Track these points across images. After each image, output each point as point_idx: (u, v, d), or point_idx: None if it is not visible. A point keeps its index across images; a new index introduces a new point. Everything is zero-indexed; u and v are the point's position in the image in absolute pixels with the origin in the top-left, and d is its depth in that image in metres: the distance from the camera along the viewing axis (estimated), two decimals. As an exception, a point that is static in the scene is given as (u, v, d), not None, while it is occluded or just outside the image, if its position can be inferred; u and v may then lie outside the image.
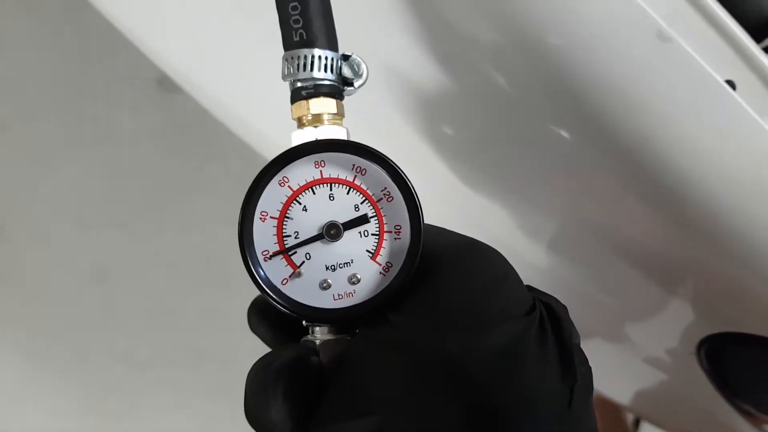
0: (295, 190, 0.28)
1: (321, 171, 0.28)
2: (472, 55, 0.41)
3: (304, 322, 0.29)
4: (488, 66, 0.41)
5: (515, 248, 0.49)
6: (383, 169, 0.28)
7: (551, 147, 0.42)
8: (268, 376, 0.26)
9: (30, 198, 1.29)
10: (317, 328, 0.28)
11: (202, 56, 0.55)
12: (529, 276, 0.48)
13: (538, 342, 0.26)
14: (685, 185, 0.39)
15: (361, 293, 0.28)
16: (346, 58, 0.30)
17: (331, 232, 0.27)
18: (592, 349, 0.55)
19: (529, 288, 0.28)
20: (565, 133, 0.41)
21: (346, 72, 0.29)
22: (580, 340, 0.28)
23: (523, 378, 0.25)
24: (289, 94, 0.30)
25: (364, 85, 0.30)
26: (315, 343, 0.28)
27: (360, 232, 0.28)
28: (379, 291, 0.27)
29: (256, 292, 0.31)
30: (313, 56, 0.28)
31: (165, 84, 1.28)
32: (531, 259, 0.50)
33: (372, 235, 0.28)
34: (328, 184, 0.28)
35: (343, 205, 0.28)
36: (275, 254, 0.27)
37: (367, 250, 0.28)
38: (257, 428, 0.26)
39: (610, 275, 0.50)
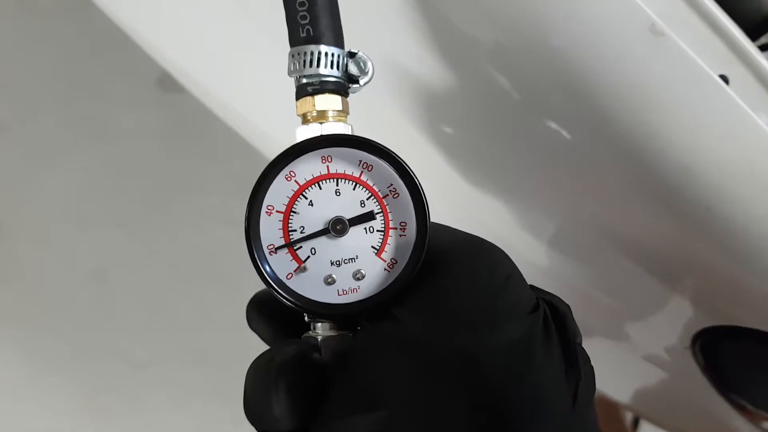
0: (301, 184, 0.28)
1: (328, 166, 0.28)
2: (474, 55, 0.41)
3: (306, 318, 0.29)
4: (489, 65, 0.41)
5: (516, 246, 0.49)
6: (390, 165, 0.28)
7: (552, 145, 0.43)
8: (271, 372, 0.25)
9: (30, 197, 1.29)
10: (319, 324, 0.28)
11: (205, 55, 0.55)
12: (530, 274, 0.48)
13: (543, 340, 0.26)
14: (682, 180, 0.39)
15: (365, 289, 0.28)
16: (352, 55, 0.30)
17: (337, 227, 0.27)
18: (592, 347, 0.55)
19: (532, 287, 0.29)
20: (565, 132, 0.41)
21: (352, 69, 0.30)
22: (582, 340, 0.28)
23: (533, 375, 0.25)
24: (293, 91, 0.30)
25: (369, 83, 0.30)
26: (317, 339, 0.28)
27: (365, 228, 0.28)
28: (383, 287, 0.28)
29: (255, 291, 0.32)
30: (319, 52, 0.28)
31: (165, 83, 1.28)
32: (532, 258, 0.50)
33: (377, 231, 0.28)
34: (335, 180, 0.28)
35: (349, 201, 0.28)
36: (280, 248, 0.27)
37: (372, 246, 0.28)
38: (258, 425, 0.26)
39: (610, 273, 0.50)
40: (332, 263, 0.28)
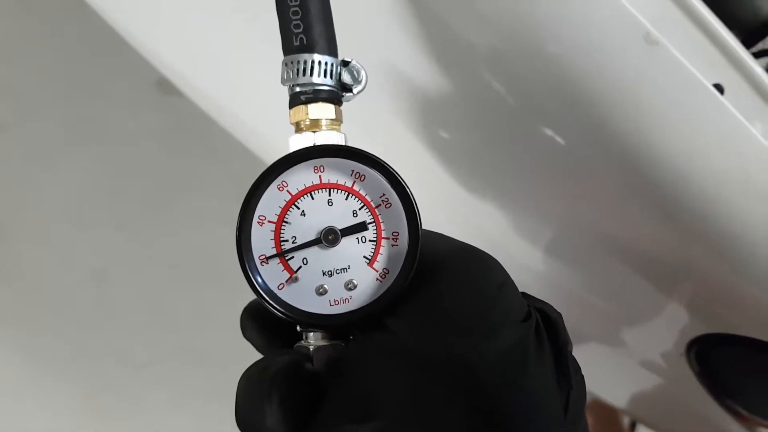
0: (293, 194, 0.28)
1: (320, 176, 0.28)
2: (471, 60, 0.41)
3: (298, 328, 0.29)
4: (485, 70, 0.41)
5: (512, 252, 0.49)
6: (382, 175, 0.28)
7: (548, 151, 0.43)
8: (263, 382, 0.25)
9: (29, 197, 1.29)
10: (311, 334, 0.28)
11: (201, 60, 0.55)
12: (526, 280, 0.48)
13: (536, 348, 0.26)
14: (677, 188, 0.39)
15: (357, 299, 0.28)
16: (345, 64, 0.30)
17: (329, 237, 0.27)
18: (589, 352, 0.56)
19: (524, 295, 0.28)
20: (560, 137, 0.41)
21: (346, 78, 0.29)
22: (572, 348, 0.28)
23: (526, 383, 0.25)
24: (286, 98, 0.30)
25: (363, 91, 0.30)
26: (309, 348, 0.28)
27: (357, 238, 0.28)
28: (375, 297, 0.27)
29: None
30: (312, 61, 0.28)
31: (165, 84, 1.28)
32: (528, 263, 0.50)
33: (369, 241, 0.28)
34: (327, 190, 0.28)
35: (342, 211, 0.28)
36: (272, 258, 0.27)
37: (364, 256, 0.28)
38: None
39: (607, 278, 0.50)
40: (324, 273, 0.28)
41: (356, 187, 0.28)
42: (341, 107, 0.30)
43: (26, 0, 1.29)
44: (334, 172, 0.28)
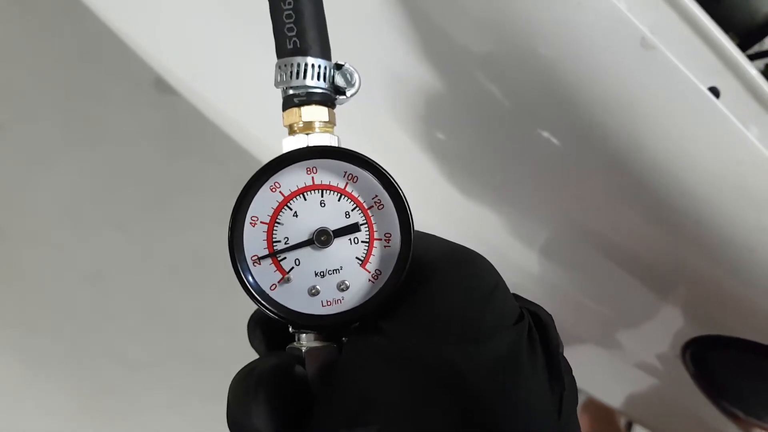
0: (286, 195, 0.28)
1: (313, 177, 0.28)
2: (465, 63, 0.41)
3: (290, 329, 0.29)
4: (480, 74, 0.41)
5: (508, 254, 0.49)
6: (375, 176, 0.28)
7: (543, 153, 0.43)
8: (250, 382, 0.25)
9: (27, 198, 1.29)
10: (303, 335, 0.28)
11: (199, 63, 0.55)
12: (521, 281, 0.48)
13: (529, 351, 0.26)
14: (671, 192, 0.39)
15: (350, 300, 0.28)
16: (339, 67, 0.30)
17: (322, 238, 0.27)
18: (585, 353, 0.56)
19: (515, 296, 0.29)
20: (555, 140, 0.41)
21: (339, 81, 0.30)
22: (563, 349, 0.28)
23: (520, 386, 0.25)
24: (281, 100, 0.30)
25: (356, 94, 0.30)
26: (301, 350, 0.28)
27: (350, 239, 0.28)
28: (368, 298, 0.27)
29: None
30: (306, 64, 0.29)
31: (163, 85, 1.28)
32: (524, 265, 0.50)
33: (362, 242, 0.28)
34: (320, 191, 0.28)
35: (334, 212, 0.28)
36: (264, 258, 0.27)
37: (357, 257, 0.28)
38: None
39: (603, 281, 0.50)
40: (316, 274, 0.28)
41: (349, 189, 0.28)
42: (334, 110, 0.30)
43: (25, 1, 1.29)
44: (326, 174, 0.28)
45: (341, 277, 0.28)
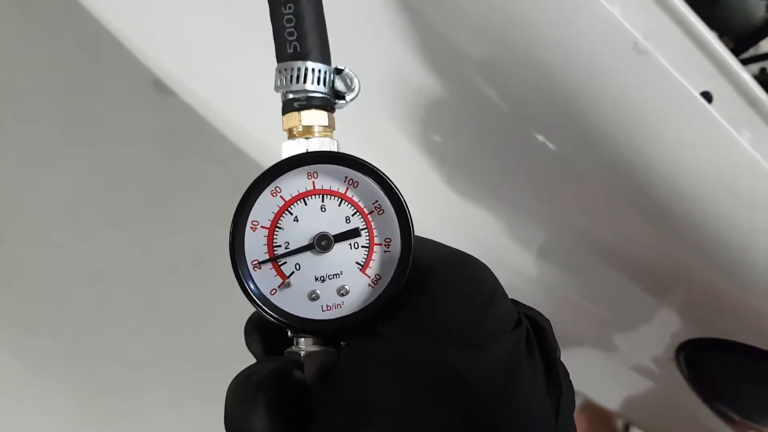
0: (287, 200, 0.28)
1: (313, 182, 0.28)
2: (464, 68, 0.41)
3: (289, 333, 0.29)
4: (478, 77, 0.41)
5: (505, 256, 0.49)
6: (375, 182, 0.28)
7: (540, 156, 0.43)
8: (248, 387, 0.25)
9: (27, 198, 1.29)
10: (302, 339, 0.28)
11: (197, 62, 0.56)
12: (519, 284, 0.48)
13: (527, 356, 0.26)
14: (666, 195, 0.40)
15: (349, 305, 0.28)
16: (339, 71, 0.30)
17: (322, 243, 0.27)
18: (581, 355, 0.56)
19: (513, 302, 0.29)
20: (552, 144, 0.41)
21: (339, 85, 0.30)
22: (560, 354, 0.28)
23: (519, 391, 0.25)
24: (280, 102, 0.30)
25: (356, 99, 0.31)
26: (299, 354, 0.28)
27: (350, 244, 0.28)
28: (367, 303, 0.28)
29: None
30: (306, 69, 0.29)
31: (162, 85, 1.28)
32: (521, 267, 0.50)
33: (362, 247, 0.28)
34: (320, 196, 0.28)
35: (335, 217, 0.28)
36: (264, 263, 0.27)
37: (357, 262, 0.28)
38: None
39: (599, 283, 0.50)
40: (316, 279, 0.28)
41: (349, 194, 0.28)
42: (334, 114, 0.30)
43: (25, 1, 1.29)
44: (327, 179, 0.28)
45: (341, 281, 0.28)
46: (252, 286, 0.27)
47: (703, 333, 0.49)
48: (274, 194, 0.28)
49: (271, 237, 0.27)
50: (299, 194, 0.28)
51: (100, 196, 1.30)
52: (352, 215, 0.28)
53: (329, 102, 0.30)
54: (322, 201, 0.28)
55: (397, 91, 0.45)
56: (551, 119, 0.41)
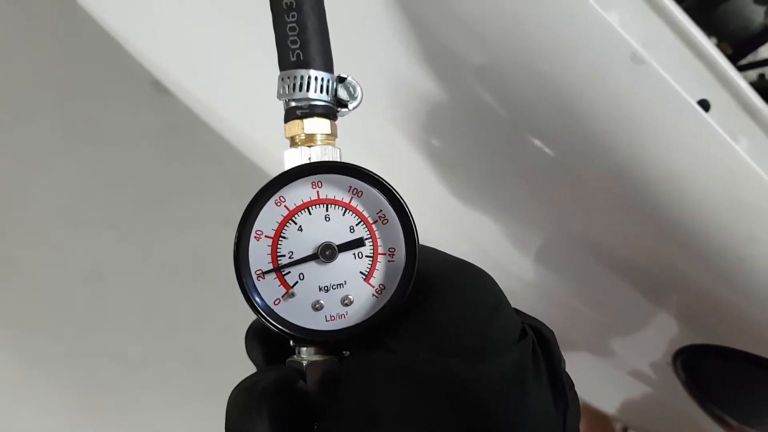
0: (291, 209, 0.27)
1: (318, 192, 0.28)
2: (464, 74, 0.41)
3: (291, 342, 0.29)
4: (478, 84, 0.41)
5: (504, 261, 0.49)
6: (380, 191, 0.28)
7: (538, 162, 0.43)
8: (252, 397, 0.25)
9: (26, 198, 1.29)
10: (303, 349, 0.28)
11: (197, 62, 0.55)
12: (517, 289, 0.48)
13: (533, 368, 0.26)
14: (663, 203, 0.40)
15: (353, 315, 0.28)
16: (341, 80, 0.30)
17: (326, 253, 0.27)
18: (579, 359, 0.56)
19: (517, 312, 0.29)
20: (551, 150, 0.42)
21: (342, 94, 0.30)
22: (565, 365, 0.28)
23: (525, 403, 0.25)
24: (280, 105, 0.30)
25: (358, 107, 0.30)
26: (302, 363, 0.28)
27: (354, 254, 0.28)
28: (372, 314, 0.27)
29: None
30: (309, 77, 0.28)
31: (161, 85, 1.28)
32: (520, 272, 0.50)
33: (366, 256, 0.28)
34: (325, 205, 0.28)
35: (339, 226, 0.28)
36: (268, 272, 0.27)
37: (361, 272, 0.28)
38: None
39: (597, 288, 0.51)
40: (320, 289, 0.28)
41: (354, 203, 0.28)
42: (336, 122, 0.30)
43: (24, 2, 1.28)
44: (331, 188, 0.28)
45: (345, 291, 0.28)
46: (256, 297, 0.27)
47: (700, 339, 0.49)
48: (279, 204, 0.28)
49: (275, 247, 0.27)
50: (303, 204, 0.28)
51: (99, 196, 1.30)
52: (357, 225, 0.28)
53: (332, 110, 0.30)
54: (327, 210, 0.28)
55: (396, 95, 0.45)
56: (549, 125, 0.41)
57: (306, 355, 0.28)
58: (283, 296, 0.27)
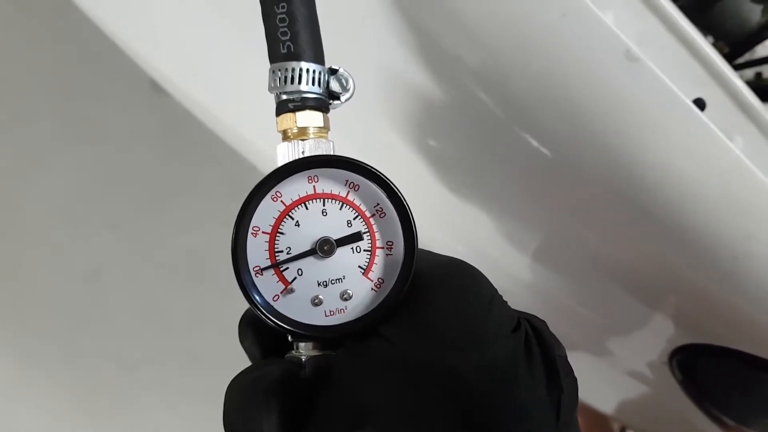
0: (287, 205, 0.27)
1: (314, 186, 0.28)
2: (460, 73, 0.41)
3: (289, 337, 0.28)
4: (474, 84, 0.41)
5: (500, 261, 0.49)
6: (376, 184, 0.28)
7: (534, 162, 0.43)
8: (258, 393, 0.25)
9: (25, 198, 1.28)
10: (302, 343, 0.28)
11: (194, 64, 0.55)
12: (513, 289, 0.48)
13: (526, 358, 0.26)
14: (658, 201, 0.40)
15: (353, 310, 0.27)
16: (333, 71, 0.29)
17: (324, 248, 0.27)
18: (577, 359, 0.56)
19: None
20: (547, 149, 0.41)
21: (334, 86, 0.29)
22: (565, 353, 0.28)
23: (519, 393, 0.25)
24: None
25: (351, 99, 0.30)
26: (301, 358, 0.28)
27: (352, 248, 0.28)
28: (371, 307, 0.27)
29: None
30: (300, 69, 0.28)
31: (159, 85, 1.27)
32: (517, 272, 0.50)
33: (364, 251, 0.28)
34: (321, 200, 0.28)
35: (336, 221, 0.28)
36: (266, 269, 0.27)
37: (359, 266, 0.28)
38: None
39: (594, 289, 0.51)
40: (319, 284, 0.27)
41: (351, 197, 0.28)
42: (328, 115, 0.30)
43: (23, 2, 1.28)
44: (328, 182, 0.28)
45: (344, 286, 0.27)
46: (255, 293, 0.27)
47: (696, 338, 0.49)
48: (275, 199, 0.27)
49: (272, 242, 0.27)
50: (300, 198, 0.27)
51: (97, 197, 1.29)
52: (354, 219, 0.28)
53: (324, 103, 0.29)
54: (323, 205, 0.28)
55: (393, 93, 0.45)
56: (546, 124, 0.41)
57: (305, 350, 0.28)
58: (282, 292, 0.27)
